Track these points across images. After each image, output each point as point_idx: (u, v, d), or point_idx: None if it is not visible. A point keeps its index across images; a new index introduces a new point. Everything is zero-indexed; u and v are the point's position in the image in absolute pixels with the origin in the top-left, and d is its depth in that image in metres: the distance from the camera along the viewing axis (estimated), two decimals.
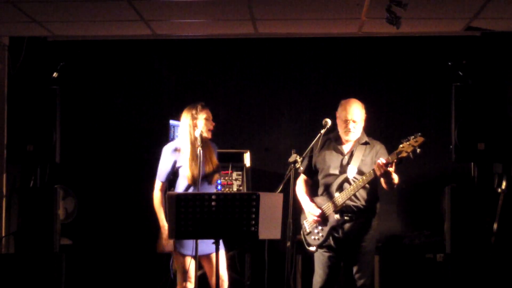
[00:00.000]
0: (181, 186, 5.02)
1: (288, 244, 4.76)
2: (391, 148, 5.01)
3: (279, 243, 4.95)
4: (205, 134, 4.98)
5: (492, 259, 5.48)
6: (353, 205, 4.88)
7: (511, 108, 5.84)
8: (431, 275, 6.00)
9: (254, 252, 6.10)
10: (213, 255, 4.77)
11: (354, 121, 4.90)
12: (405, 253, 6.17)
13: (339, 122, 4.98)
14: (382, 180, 4.83)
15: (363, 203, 4.90)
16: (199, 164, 4.84)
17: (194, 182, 4.92)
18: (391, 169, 4.70)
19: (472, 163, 5.74)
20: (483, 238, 5.52)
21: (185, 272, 4.96)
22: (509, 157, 5.68)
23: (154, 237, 5.05)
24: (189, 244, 4.89)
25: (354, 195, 4.84)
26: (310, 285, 5.12)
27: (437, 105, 6.60)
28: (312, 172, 5.12)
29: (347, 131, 4.93)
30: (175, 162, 5.01)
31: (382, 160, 4.67)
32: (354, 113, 4.90)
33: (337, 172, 4.94)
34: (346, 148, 5.01)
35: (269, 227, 4.28)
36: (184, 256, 4.97)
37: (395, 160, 4.67)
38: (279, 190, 4.65)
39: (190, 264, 4.95)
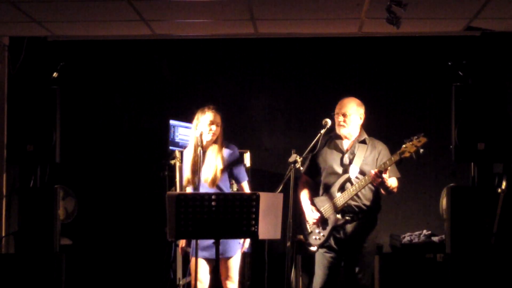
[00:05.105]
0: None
1: (288, 244, 4.76)
2: (391, 148, 5.01)
3: (279, 243, 4.95)
4: (206, 137, 4.95)
5: (492, 259, 5.48)
6: (354, 205, 4.88)
7: (511, 108, 5.83)
8: (431, 275, 5.99)
9: (254, 252, 6.09)
10: (231, 260, 4.86)
11: (343, 115, 4.94)
12: (405, 253, 6.17)
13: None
14: (379, 187, 4.84)
15: (365, 202, 4.89)
16: (198, 166, 4.83)
17: (193, 183, 4.92)
18: (385, 175, 4.72)
19: (472, 163, 5.74)
20: (483, 238, 5.52)
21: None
22: (509, 157, 5.67)
23: (154, 237, 5.05)
24: (200, 245, 4.79)
25: (356, 194, 4.84)
26: (310, 285, 5.12)
27: (437, 105, 6.61)
28: (313, 172, 5.12)
29: (337, 124, 4.97)
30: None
31: (372, 172, 4.69)
32: (343, 107, 4.96)
33: (338, 170, 4.94)
34: (345, 144, 5.01)
35: (269, 227, 4.28)
36: (197, 258, 4.93)
37: (397, 160, 4.68)
38: (279, 190, 4.65)
39: (199, 266, 4.92)
